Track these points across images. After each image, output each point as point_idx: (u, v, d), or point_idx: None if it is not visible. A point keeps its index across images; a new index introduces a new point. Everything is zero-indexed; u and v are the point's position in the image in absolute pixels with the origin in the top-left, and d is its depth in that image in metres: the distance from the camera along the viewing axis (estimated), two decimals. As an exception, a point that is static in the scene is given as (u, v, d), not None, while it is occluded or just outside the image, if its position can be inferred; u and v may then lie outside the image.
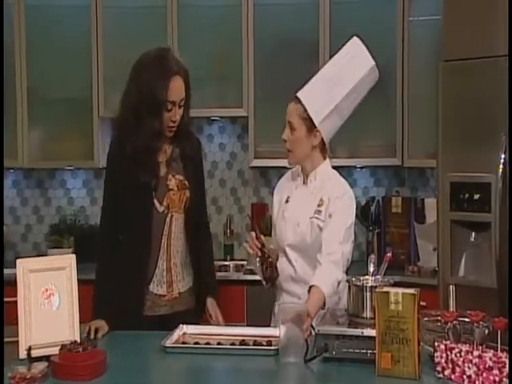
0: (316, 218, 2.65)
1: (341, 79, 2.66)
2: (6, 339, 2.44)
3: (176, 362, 2.32)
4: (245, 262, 4.40)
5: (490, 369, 1.93)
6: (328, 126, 2.67)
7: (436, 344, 2.06)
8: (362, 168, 4.69)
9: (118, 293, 2.70)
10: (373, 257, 2.37)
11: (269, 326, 2.75)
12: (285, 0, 4.46)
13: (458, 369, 2.00)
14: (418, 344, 2.05)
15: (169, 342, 2.39)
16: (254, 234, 2.69)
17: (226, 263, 4.57)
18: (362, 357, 2.16)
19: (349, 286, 2.32)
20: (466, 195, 3.39)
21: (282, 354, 2.25)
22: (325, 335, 2.20)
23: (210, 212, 3.08)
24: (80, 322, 2.34)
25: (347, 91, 2.67)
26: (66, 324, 2.29)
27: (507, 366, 1.89)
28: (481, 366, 1.95)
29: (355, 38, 2.75)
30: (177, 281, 2.80)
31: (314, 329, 2.25)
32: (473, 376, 1.97)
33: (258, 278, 2.77)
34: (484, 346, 1.97)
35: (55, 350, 2.16)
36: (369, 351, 2.14)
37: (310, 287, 2.45)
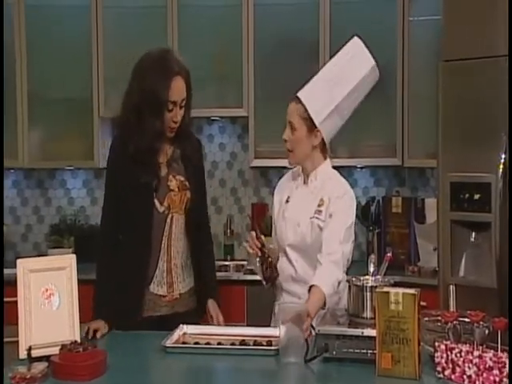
0: (316, 218, 2.65)
1: (341, 79, 2.66)
2: (6, 339, 2.44)
3: (176, 362, 2.32)
4: (245, 262, 4.40)
5: (491, 369, 1.93)
6: (328, 126, 2.67)
7: (436, 344, 2.06)
8: (362, 168, 4.69)
9: (118, 293, 2.70)
10: (373, 257, 2.37)
11: (269, 325, 2.75)
12: (285, 0, 4.46)
13: (458, 369, 2.00)
14: (419, 344, 2.05)
15: (169, 342, 2.39)
16: (254, 233, 2.69)
17: (227, 263, 4.57)
18: (362, 357, 2.16)
19: (349, 286, 2.32)
20: (466, 195, 3.39)
21: (283, 354, 2.25)
22: (325, 335, 2.20)
23: (210, 212, 3.08)
24: (80, 322, 2.33)
25: (348, 91, 2.67)
26: (66, 324, 2.28)
27: (507, 366, 1.89)
28: (481, 366, 1.95)
29: (356, 37, 2.75)
30: (177, 282, 2.80)
31: (314, 329, 2.25)
32: (473, 376, 1.97)
33: (258, 278, 2.77)
34: (484, 346, 1.97)
35: (55, 350, 2.16)
36: (369, 351, 2.14)
37: (310, 287, 2.45)
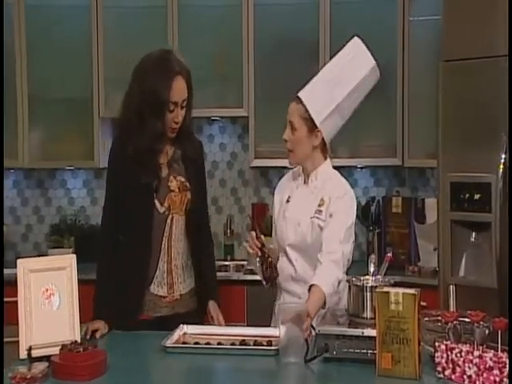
0: (317, 218, 2.65)
1: (342, 79, 2.66)
2: (6, 339, 2.44)
3: (176, 362, 2.32)
4: (245, 262, 4.40)
5: (491, 369, 1.93)
6: (329, 126, 2.67)
7: (436, 344, 2.06)
8: (362, 168, 4.69)
9: (119, 293, 2.71)
10: (373, 257, 2.37)
11: (269, 325, 2.75)
12: (285, 0, 4.46)
13: (458, 369, 2.00)
14: (419, 344, 2.05)
15: (169, 342, 2.39)
16: (254, 233, 2.69)
17: (227, 263, 4.57)
18: (362, 357, 2.16)
19: (349, 286, 2.32)
20: (467, 195, 3.39)
21: (283, 354, 2.25)
22: (325, 335, 2.20)
23: (211, 212, 3.08)
24: (80, 322, 2.33)
25: (348, 91, 2.66)
26: (66, 324, 2.28)
27: (507, 366, 1.89)
28: (481, 366, 1.95)
29: (356, 38, 2.75)
30: (178, 282, 2.80)
31: (314, 329, 2.25)
32: (473, 376, 1.97)
33: (258, 278, 2.77)
34: (484, 346, 1.97)
35: (55, 350, 2.16)
36: (369, 351, 2.14)
37: (310, 286, 2.45)
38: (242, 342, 2.41)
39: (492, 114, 3.32)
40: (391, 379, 2.06)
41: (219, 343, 2.43)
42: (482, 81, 3.35)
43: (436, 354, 2.06)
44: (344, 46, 2.75)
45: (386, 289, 2.11)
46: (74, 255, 2.35)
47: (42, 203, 4.90)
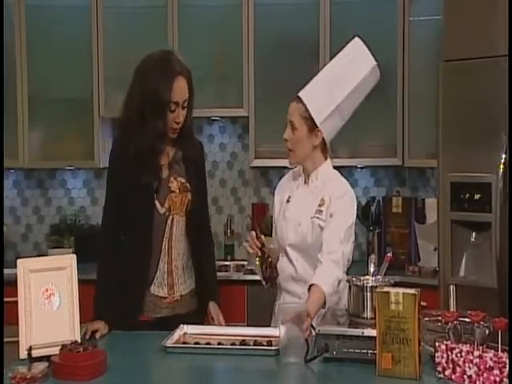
0: (317, 218, 2.65)
1: (342, 80, 2.66)
2: (6, 339, 2.44)
3: (176, 362, 2.32)
4: (245, 262, 4.40)
5: (491, 369, 1.93)
6: (329, 126, 2.67)
7: (437, 344, 2.06)
8: (362, 168, 4.69)
9: (119, 293, 2.70)
10: (373, 257, 2.37)
11: (269, 325, 2.75)
12: (285, 0, 4.46)
13: (458, 369, 2.00)
14: (419, 344, 2.05)
15: (169, 342, 2.39)
16: (254, 233, 2.69)
17: (227, 263, 4.57)
18: (362, 357, 2.16)
19: (349, 286, 2.32)
20: (467, 195, 3.39)
21: (283, 354, 2.25)
22: (325, 335, 2.20)
23: (211, 212, 3.08)
24: (80, 322, 2.33)
25: (349, 91, 2.66)
26: (66, 324, 2.28)
27: (508, 366, 1.89)
28: (481, 366, 1.95)
29: (357, 38, 2.75)
30: (178, 283, 2.79)
31: (314, 329, 2.25)
32: (473, 376, 1.97)
33: (258, 278, 2.77)
34: (485, 346, 1.97)
35: (56, 350, 2.16)
36: (369, 351, 2.14)
37: (310, 286, 2.45)
38: (242, 342, 2.41)
39: (492, 114, 3.32)
40: (391, 379, 2.06)
41: (219, 343, 2.43)
42: (482, 81, 3.35)
43: (436, 354, 2.06)
44: (344, 46, 2.75)
45: (386, 289, 2.11)
46: (74, 255, 2.35)
47: (42, 203, 4.89)
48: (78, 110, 4.55)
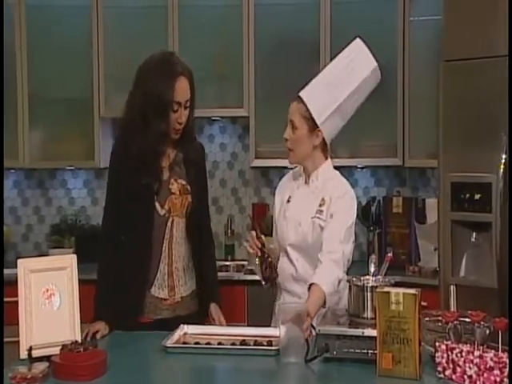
0: (317, 218, 2.65)
1: (343, 80, 2.66)
2: (6, 339, 2.45)
3: (177, 362, 2.32)
4: (245, 262, 4.40)
5: (491, 369, 1.93)
6: (330, 126, 2.67)
7: (437, 344, 2.06)
8: (362, 168, 4.69)
9: (119, 294, 2.70)
10: (373, 257, 2.37)
11: (269, 325, 2.75)
12: (285, 0, 4.46)
13: (458, 369, 2.00)
14: (419, 344, 2.05)
15: (169, 342, 2.39)
16: (254, 233, 2.69)
17: (227, 263, 4.56)
18: (362, 357, 2.16)
19: (349, 286, 2.32)
20: (467, 195, 3.39)
21: (283, 354, 2.25)
22: (325, 335, 2.20)
23: (211, 212, 3.07)
24: (81, 322, 2.33)
25: (349, 92, 2.66)
26: (66, 324, 2.28)
27: (508, 366, 1.89)
28: (482, 367, 1.95)
29: (358, 39, 2.75)
30: (179, 285, 2.79)
31: (314, 329, 2.25)
32: (474, 376, 1.97)
33: (258, 278, 2.77)
34: (485, 346, 1.97)
35: (56, 350, 2.16)
36: (370, 351, 2.14)
37: (310, 285, 2.45)
38: (243, 342, 2.41)
39: (492, 114, 3.32)
40: (392, 379, 2.06)
41: (220, 343, 2.43)
42: (483, 81, 3.35)
43: (436, 354, 2.06)
44: (345, 46, 2.75)
45: (386, 289, 2.11)
46: (75, 255, 2.35)
47: (43, 203, 4.89)
48: (78, 110, 4.55)
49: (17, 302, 2.21)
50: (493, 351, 1.93)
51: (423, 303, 2.09)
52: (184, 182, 2.80)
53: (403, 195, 4.56)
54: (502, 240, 3.25)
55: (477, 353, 1.96)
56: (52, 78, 4.53)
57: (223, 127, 4.83)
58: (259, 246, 2.67)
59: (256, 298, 3.99)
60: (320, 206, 2.66)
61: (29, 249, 4.85)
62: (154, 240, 2.74)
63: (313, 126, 2.65)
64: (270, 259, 2.70)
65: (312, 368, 2.20)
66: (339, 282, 2.53)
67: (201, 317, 2.84)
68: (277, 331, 2.32)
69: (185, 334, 2.53)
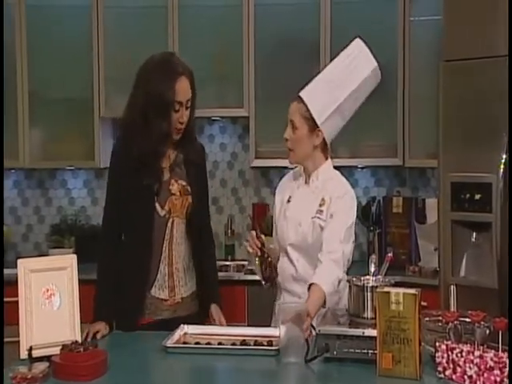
0: (318, 218, 2.65)
1: (343, 81, 2.67)
2: (6, 339, 2.45)
3: (177, 362, 2.32)
4: (246, 263, 4.40)
5: (491, 369, 1.93)
6: (330, 126, 2.68)
7: (437, 344, 2.06)
8: (362, 168, 4.69)
9: (119, 295, 2.70)
10: (374, 257, 2.37)
11: (269, 325, 2.75)
12: (285, 0, 4.46)
13: (459, 369, 2.00)
14: (419, 344, 2.05)
15: (170, 342, 2.39)
16: (254, 233, 2.69)
17: (227, 263, 4.56)
18: (362, 357, 2.16)
19: (350, 286, 2.32)
20: (467, 195, 3.39)
21: (283, 354, 2.25)
22: (326, 335, 2.20)
23: (211, 212, 3.06)
24: (81, 322, 2.33)
25: (349, 92, 2.67)
26: (66, 324, 2.28)
27: (508, 366, 1.89)
28: (482, 366, 1.95)
29: (358, 39, 2.75)
30: (179, 286, 2.79)
31: (314, 328, 2.25)
32: (474, 376, 1.97)
33: (258, 278, 2.77)
34: (485, 346, 1.97)
35: (56, 350, 2.16)
36: (370, 351, 2.14)
37: (310, 285, 2.45)
38: (243, 342, 2.41)
39: (492, 114, 3.32)
40: (392, 379, 2.06)
41: (220, 343, 2.43)
42: (483, 81, 3.35)
43: (437, 354, 2.06)
44: (345, 46, 2.75)
45: (386, 289, 2.11)
46: (75, 255, 2.35)
47: (43, 203, 4.89)
48: (78, 110, 4.55)
49: (17, 302, 2.22)
50: (493, 351, 1.93)
51: (423, 303, 2.09)
52: (184, 183, 2.79)
53: (403, 195, 4.57)
54: (502, 240, 3.25)
55: (477, 353, 1.96)
56: (52, 78, 4.53)
57: (223, 127, 4.83)
58: (259, 245, 2.67)
59: (256, 297, 3.99)
60: (320, 205, 2.66)
61: (29, 249, 4.85)
62: (154, 241, 2.74)
63: (313, 126, 2.65)
64: (269, 259, 2.70)
65: (312, 368, 2.20)
66: (339, 281, 2.53)
67: (201, 317, 2.83)
68: (277, 331, 2.32)
69: (185, 333, 2.53)
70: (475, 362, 1.96)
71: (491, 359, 1.93)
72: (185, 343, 2.45)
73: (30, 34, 4.50)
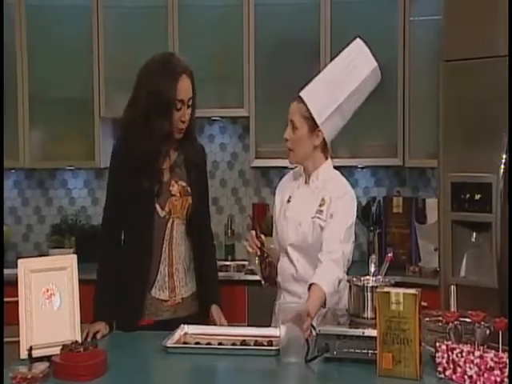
0: (318, 218, 2.65)
1: (343, 81, 2.67)
2: (6, 339, 2.45)
3: (177, 362, 2.32)
4: (246, 262, 4.39)
5: (492, 369, 1.93)
6: (330, 126, 2.68)
7: (437, 344, 2.06)
8: (363, 168, 4.69)
9: (119, 295, 2.70)
10: (374, 257, 2.37)
11: (270, 325, 2.75)
12: (285, 0, 4.46)
13: (459, 369, 2.00)
14: (420, 344, 2.05)
15: (170, 342, 2.39)
16: (253, 232, 2.69)
17: (227, 263, 4.56)
18: (363, 357, 2.16)
19: (350, 286, 2.32)
20: (467, 195, 3.39)
21: (283, 354, 2.25)
22: (326, 335, 2.20)
23: (211, 212, 3.06)
24: (81, 322, 2.33)
25: (349, 92, 2.67)
26: (67, 324, 2.28)
27: (508, 366, 1.89)
28: (482, 367, 1.95)
29: (358, 39, 2.75)
30: (179, 286, 2.79)
31: (314, 329, 2.25)
32: (474, 376, 1.97)
33: (258, 278, 2.77)
34: (485, 346, 1.97)
35: (56, 350, 2.16)
36: (370, 351, 2.14)
37: (310, 285, 2.45)
38: (243, 342, 2.41)
39: (493, 114, 3.32)
40: (392, 379, 2.06)
41: (220, 343, 2.43)
42: (483, 81, 3.35)
43: (437, 355, 2.06)
44: (345, 46, 2.75)
45: (386, 289, 2.11)
46: (75, 255, 2.35)
47: (43, 203, 4.90)
48: (78, 110, 4.55)
49: (17, 302, 2.22)
50: (493, 351, 1.93)
51: (423, 303, 2.09)
52: (184, 184, 2.79)
53: (403, 195, 4.57)
54: (502, 240, 3.25)
55: (477, 353, 1.96)
56: (52, 78, 4.53)
57: (223, 127, 4.83)
58: (258, 245, 2.67)
59: (256, 297, 3.99)
60: (320, 205, 2.66)
61: (29, 249, 4.85)
62: (155, 241, 2.74)
63: (313, 126, 2.65)
64: (269, 259, 2.70)
65: (312, 368, 2.20)
66: (339, 281, 2.53)
67: (201, 318, 2.82)
68: (277, 331, 2.32)
69: (185, 334, 2.53)
70: (475, 362, 1.96)
71: (491, 359, 1.93)
72: (185, 343, 2.45)
73: (30, 34, 4.50)
